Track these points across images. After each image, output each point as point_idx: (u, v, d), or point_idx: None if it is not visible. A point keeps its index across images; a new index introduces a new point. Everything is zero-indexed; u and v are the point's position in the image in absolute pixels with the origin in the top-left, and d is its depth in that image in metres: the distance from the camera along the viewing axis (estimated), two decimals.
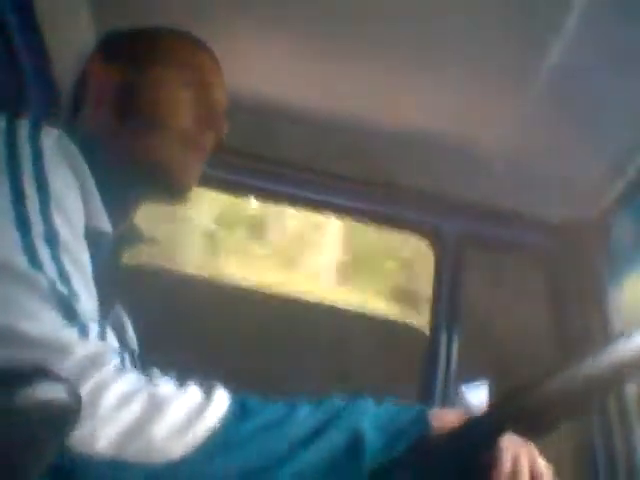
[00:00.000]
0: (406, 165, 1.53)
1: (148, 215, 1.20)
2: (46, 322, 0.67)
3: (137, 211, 1.06)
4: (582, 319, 1.51)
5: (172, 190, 0.99)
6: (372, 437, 0.75)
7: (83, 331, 0.68)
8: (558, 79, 1.17)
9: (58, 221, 0.74)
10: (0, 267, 0.68)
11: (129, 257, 1.22)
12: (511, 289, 1.59)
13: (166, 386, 0.70)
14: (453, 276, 1.63)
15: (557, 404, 0.67)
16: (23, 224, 0.72)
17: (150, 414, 0.66)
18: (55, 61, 1.37)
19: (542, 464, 0.77)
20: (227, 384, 0.75)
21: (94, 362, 0.66)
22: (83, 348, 0.67)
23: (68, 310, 0.69)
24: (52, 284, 0.69)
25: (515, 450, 0.74)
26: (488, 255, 1.65)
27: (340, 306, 2.13)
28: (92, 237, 0.82)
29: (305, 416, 0.75)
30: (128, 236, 1.05)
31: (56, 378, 0.60)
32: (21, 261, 0.69)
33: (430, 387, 1.55)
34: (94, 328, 0.70)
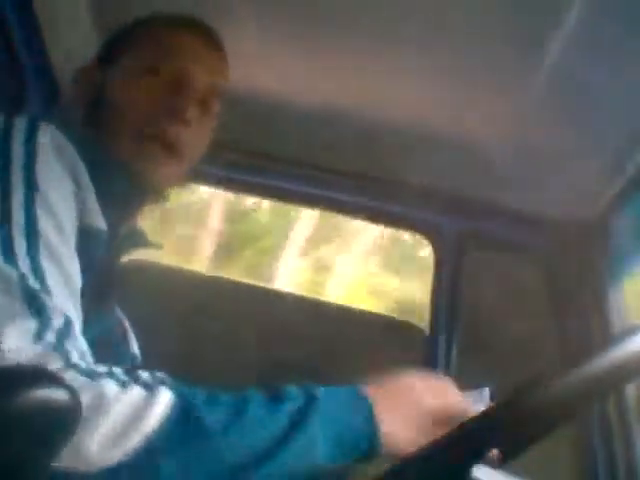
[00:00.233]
0: (406, 163, 1.53)
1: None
2: (4, 314, 0.64)
3: (140, 213, 1.04)
4: (582, 319, 1.50)
5: (140, 188, 0.95)
6: (324, 450, 0.69)
7: (44, 327, 0.65)
8: (558, 79, 1.17)
9: (41, 216, 0.72)
10: None
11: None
12: (511, 289, 1.59)
13: (108, 387, 0.64)
14: (453, 275, 1.63)
15: (556, 405, 0.67)
16: (3, 216, 0.70)
17: (86, 421, 0.61)
18: (55, 60, 1.37)
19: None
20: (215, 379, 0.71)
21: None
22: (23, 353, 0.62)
23: (34, 305, 0.66)
24: (23, 278, 0.67)
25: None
26: (488, 254, 1.65)
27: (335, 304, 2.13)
28: (86, 235, 0.81)
29: (256, 419, 0.68)
30: (130, 238, 1.03)
31: (56, 380, 0.60)
32: None
33: None
34: (58, 324, 0.66)
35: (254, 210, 5.93)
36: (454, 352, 1.57)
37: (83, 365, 0.65)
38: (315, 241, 6.00)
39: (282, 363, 1.63)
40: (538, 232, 1.58)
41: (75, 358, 0.65)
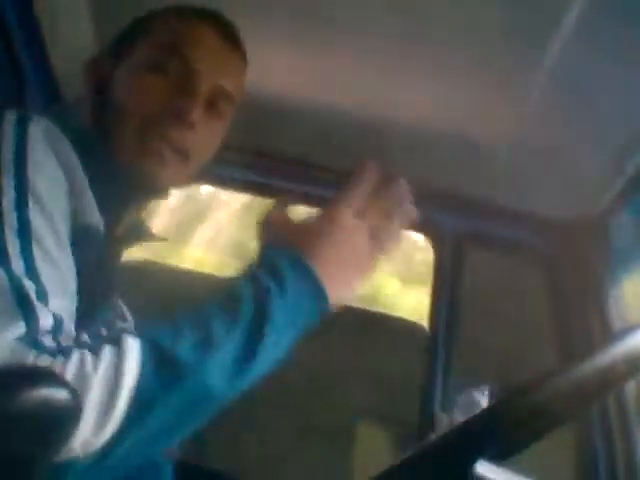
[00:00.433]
0: (407, 162, 1.53)
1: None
2: None
3: (140, 207, 1.03)
4: (582, 319, 1.50)
5: (142, 186, 0.93)
6: (287, 337, 0.73)
7: (33, 328, 0.63)
8: (558, 79, 1.17)
9: (33, 214, 0.71)
10: None
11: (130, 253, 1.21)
12: (511, 289, 1.59)
13: (83, 360, 0.62)
14: (453, 275, 1.63)
15: (556, 404, 0.67)
16: None
17: None
18: (55, 60, 1.38)
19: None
20: None
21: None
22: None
23: (24, 306, 0.64)
24: (13, 279, 0.66)
25: None
26: (488, 254, 1.65)
27: None
28: (82, 232, 0.80)
29: (220, 338, 0.68)
30: (132, 232, 1.02)
31: (57, 379, 0.60)
32: None
33: (430, 387, 1.55)
34: (47, 326, 0.64)
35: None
36: (454, 352, 1.57)
37: (49, 344, 0.63)
38: None
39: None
40: (538, 232, 1.58)
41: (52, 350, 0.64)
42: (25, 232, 0.69)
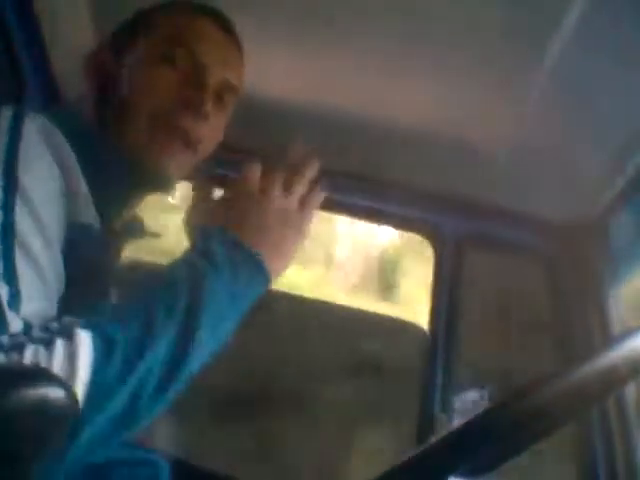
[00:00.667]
0: (406, 163, 1.53)
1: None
2: None
3: (139, 203, 1.03)
4: (582, 319, 1.50)
5: (153, 179, 0.93)
6: (231, 309, 0.75)
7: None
8: (558, 79, 1.17)
9: (20, 215, 0.70)
10: None
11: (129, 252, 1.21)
12: (511, 289, 1.59)
13: (38, 355, 0.63)
14: (453, 276, 1.63)
15: (556, 406, 0.67)
16: None
17: None
18: (55, 60, 1.37)
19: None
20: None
21: None
22: None
23: None
24: None
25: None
26: (488, 255, 1.65)
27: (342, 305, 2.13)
28: (77, 231, 0.79)
29: (165, 317, 0.70)
30: (129, 229, 1.02)
31: (55, 378, 0.60)
32: None
33: (430, 387, 1.54)
34: (14, 330, 0.64)
35: None
36: (454, 353, 1.57)
37: (4, 341, 0.63)
38: None
39: (283, 361, 1.64)
40: (538, 232, 1.58)
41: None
42: (9, 234, 0.69)
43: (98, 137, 0.91)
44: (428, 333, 1.63)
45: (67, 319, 0.68)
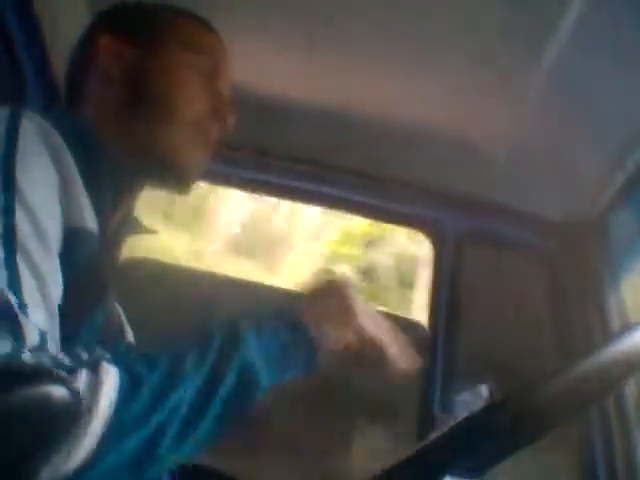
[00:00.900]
0: (406, 161, 1.53)
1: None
2: None
3: (135, 200, 1.03)
4: (582, 318, 1.51)
5: (177, 182, 0.97)
6: (263, 372, 0.74)
7: (18, 346, 0.61)
8: (558, 79, 1.17)
9: (21, 222, 0.69)
10: None
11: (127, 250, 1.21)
12: (511, 288, 1.59)
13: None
14: (453, 273, 1.63)
15: (556, 404, 0.67)
16: None
17: None
18: (55, 60, 1.37)
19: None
20: None
21: None
22: None
23: (9, 323, 0.62)
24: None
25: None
26: (488, 253, 1.65)
27: None
28: (74, 231, 0.78)
29: (194, 365, 0.71)
30: (125, 226, 1.01)
31: (57, 378, 0.60)
32: None
33: (430, 387, 1.55)
34: (33, 342, 0.63)
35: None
36: (454, 352, 1.57)
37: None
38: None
39: None
40: (538, 231, 1.58)
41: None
42: (10, 239, 0.67)
43: (96, 137, 0.90)
44: (428, 332, 1.63)
45: (96, 352, 0.68)
